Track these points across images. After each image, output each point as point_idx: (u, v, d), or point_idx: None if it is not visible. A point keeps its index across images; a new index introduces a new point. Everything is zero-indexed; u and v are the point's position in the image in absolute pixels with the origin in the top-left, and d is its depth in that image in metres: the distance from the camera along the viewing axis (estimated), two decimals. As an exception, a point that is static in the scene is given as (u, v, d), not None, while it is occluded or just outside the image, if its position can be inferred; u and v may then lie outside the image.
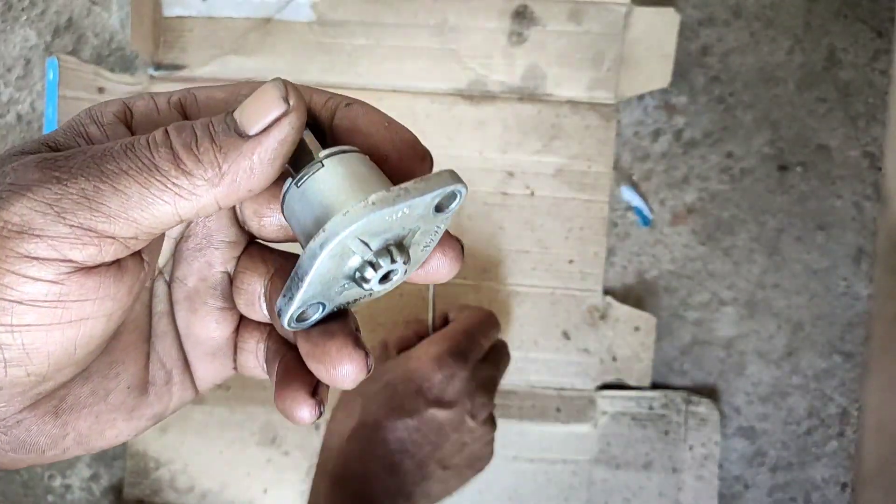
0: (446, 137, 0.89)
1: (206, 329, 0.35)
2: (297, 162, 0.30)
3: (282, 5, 0.89)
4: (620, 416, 0.89)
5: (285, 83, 0.28)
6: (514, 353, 0.89)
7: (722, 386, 0.91)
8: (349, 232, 0.27)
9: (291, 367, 0.32)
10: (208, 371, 0.36)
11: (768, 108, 0.91)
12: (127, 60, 0.92)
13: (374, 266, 0.29)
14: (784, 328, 0.91)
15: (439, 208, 0.30)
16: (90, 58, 0.92)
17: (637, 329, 0.89)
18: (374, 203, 0.27)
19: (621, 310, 0.89)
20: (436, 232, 0.32)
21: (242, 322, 0.36)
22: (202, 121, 0.28)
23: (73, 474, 0.92)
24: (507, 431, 0.88)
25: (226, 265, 0.34)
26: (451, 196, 0.30)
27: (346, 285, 0.30)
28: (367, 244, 0.28)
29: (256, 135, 0.27)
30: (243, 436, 0.89)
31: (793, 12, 0.91)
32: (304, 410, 0.31)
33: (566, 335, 0.89)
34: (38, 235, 0.25)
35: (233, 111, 0.28)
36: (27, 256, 0.25)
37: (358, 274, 0.29)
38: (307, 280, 0.27)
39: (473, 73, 0.89)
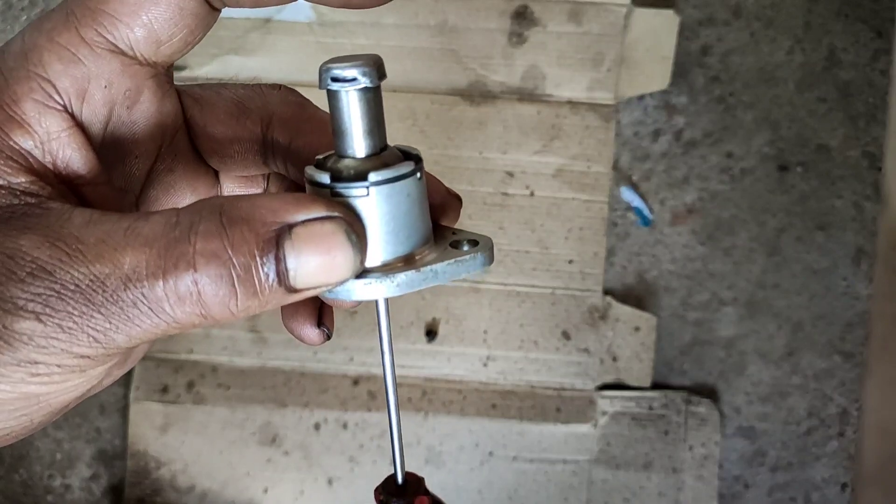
0: (446, 137, 0.89)
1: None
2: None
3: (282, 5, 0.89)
4: (620, 416, 0.89)
5: (361, 241, 0.25)
6: (514, 354, 0.89)
7: (722, 386, 0.91)
8: (364, 299, 0.27)
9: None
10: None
11: (768, 108, 0.91)
12: (127, 60, 0.92)
13: None
14: (784, 328, 0.91)
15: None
16: (90, 58, 0.92)
17: (637, 329, 0.89)
18: (397, 285, 0.26)
19: (621, 310, 0.89)
20: None
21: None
22: (245, 262, 0.23)
23: (73, 474, 0.92)
24: (508, 431, 0.89)
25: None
26: None
27: None
28: None
29: (305, 289, 0.24)
30: (243, 436, 0.89)
31: (793, 12, 0.91)
32: (311, 333, 0.31)
33: (566, 335, 0.89)
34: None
35: (285, 246, 0.24)
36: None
37: None
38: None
39: (473, 73, 0.89)
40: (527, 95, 0.89)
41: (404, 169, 0.27)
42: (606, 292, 0.90)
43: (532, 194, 0.89)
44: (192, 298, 0.23)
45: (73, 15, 0.26)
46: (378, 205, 0.26)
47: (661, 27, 0.88)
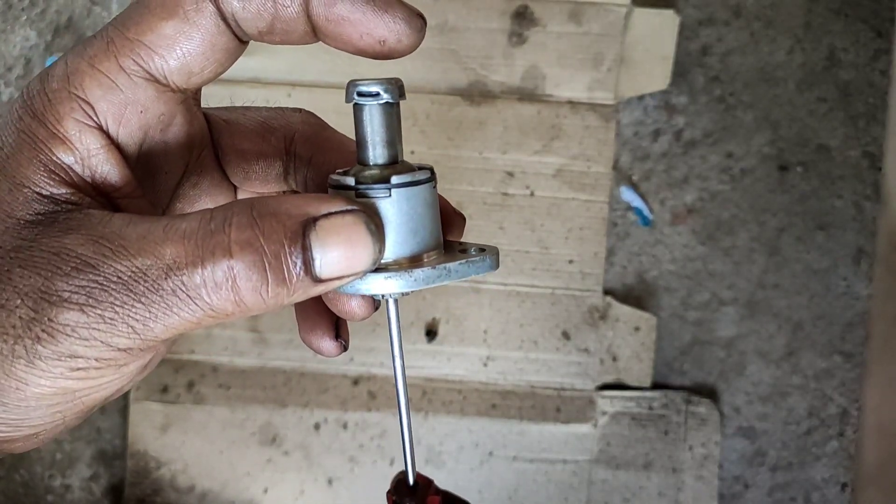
0: (446, 137, 0.89)
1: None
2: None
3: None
4: (620, 416, 0.89)
5: (380, 232, 0.27)
6: (514, 354, 0.89)
7: (722, 386, 0.91)
8: (383, 292, 0.29)
9: (313, 308, 0.34)
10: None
11: (768, 108, 0.91)
12: (127, 60, 0.92)
13: None
14: (784, 328, 0.91)
15: None
16: (90, 58, 0.92)
17: (637, 329, 0.89)
18: (415, 280, 0.29)
19: (621, 310, 0.89)
20: None
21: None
22: (275, 250, 0.25)
23: (73, 474, 0.92)
24: (508, 431, 0.88)
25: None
26: None
27: None
28: None
29: (329, 279, 0.26)
30: (243, 436, 0.89)
31: (793, 12, 0.91)
32: (329, 345, 0.33)
33: (566, 335, 0.89)
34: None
35: (310, 236, 0.26)
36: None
37: None
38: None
39: (473, 73, 0.89)
40: (527, 95, 0.89)
41: (423, 175, 0.30)
42: (606, 292, 0.90)
43: (532, 194, 0.89)
44: (227, 285, 0.25)
45: (112, 44, 0.27)
46: (398, 205, 0.29)
47: (661, 27, 0.88)
